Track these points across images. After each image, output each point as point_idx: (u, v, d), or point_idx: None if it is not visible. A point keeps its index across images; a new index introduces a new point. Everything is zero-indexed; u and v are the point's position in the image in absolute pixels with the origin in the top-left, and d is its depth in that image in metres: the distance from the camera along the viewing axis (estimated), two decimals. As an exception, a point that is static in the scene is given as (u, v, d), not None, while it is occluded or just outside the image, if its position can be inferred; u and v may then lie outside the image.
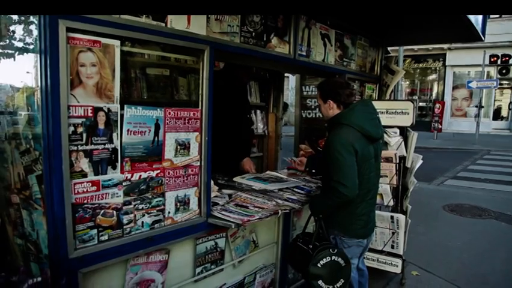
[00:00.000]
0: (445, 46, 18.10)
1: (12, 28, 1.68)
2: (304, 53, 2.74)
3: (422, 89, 20.64)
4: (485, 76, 15.97)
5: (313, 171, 2.80)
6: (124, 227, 1.71)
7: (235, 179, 2.82)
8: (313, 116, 4.05)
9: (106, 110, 1.57)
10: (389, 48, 4.26)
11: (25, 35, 1.59)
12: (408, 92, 20.71)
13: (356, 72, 3.48)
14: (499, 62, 15.69)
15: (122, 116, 1.64)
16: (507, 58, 15.65)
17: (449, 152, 12.47)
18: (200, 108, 1.99)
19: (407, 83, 20.63)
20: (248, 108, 3.71)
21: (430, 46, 17.65)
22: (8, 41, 1.73)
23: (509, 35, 16.68)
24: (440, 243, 4.50)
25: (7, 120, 1.89)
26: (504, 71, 17.88)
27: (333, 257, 2.15)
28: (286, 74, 4.71)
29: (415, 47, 17.81)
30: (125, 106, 1.65)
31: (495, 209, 5.89)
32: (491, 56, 15.16)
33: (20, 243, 1.86)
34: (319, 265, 2.12)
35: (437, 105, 15.70)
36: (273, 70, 4.00)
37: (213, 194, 2.26)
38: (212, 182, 2.19)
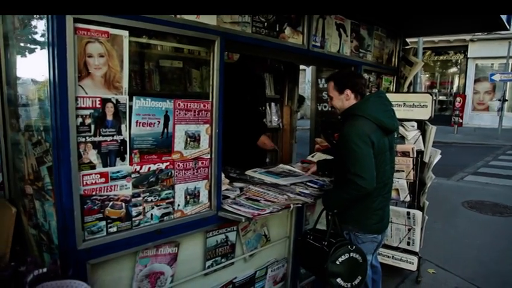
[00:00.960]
0: (467, 38, 17.48)
1: (34, 23, 1.67)
2: (318, 44, 2.67)
3: (442, 82, 20.06)
4: (510, 68, 15.37)
5: (326, 173, 2.75)
6: (133, 219, 1.70)
7: (246, 172, 2.79)
8: (329, 109, 3.97)
9: (115, 101, 1.56)
10: (408, 40, 4.12)
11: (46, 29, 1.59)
12: (428, 85, 20.17)
13: (373, 64, 3.38)
14: (524, 53, 15.04)
15: (131, 107, 1.63)
16: (533, 49, 14.98)
17: (470, 147, 12.11)
18: (210, 100, 1.96)
19: (427, 75, 20.09)
20: (263, 100, 3.66)
21: (451, 38, 17.08)
22: (30, 35, 1.73)
23: (536, 25, 15.99)
24: (458, 240, 4.38)
25: (23, 113, 1.91)
26: (530, 63, 17.16)
27: (351, 254, 2.10)
28: (302, 67, 4.62)
29: (435, 39, 17.29)
30: (134, 97, 1.64)
31: (517, 207, 5.70)
32: (516, 48, 14.56)
33: (34, 234, 1.89)
34: (337, 262, 2.07)
35: (458, 98, 15.23)
36: (287, 62, 3.93)
37: (224, 187, 2.24)
38: (223, 175, 2.17)
